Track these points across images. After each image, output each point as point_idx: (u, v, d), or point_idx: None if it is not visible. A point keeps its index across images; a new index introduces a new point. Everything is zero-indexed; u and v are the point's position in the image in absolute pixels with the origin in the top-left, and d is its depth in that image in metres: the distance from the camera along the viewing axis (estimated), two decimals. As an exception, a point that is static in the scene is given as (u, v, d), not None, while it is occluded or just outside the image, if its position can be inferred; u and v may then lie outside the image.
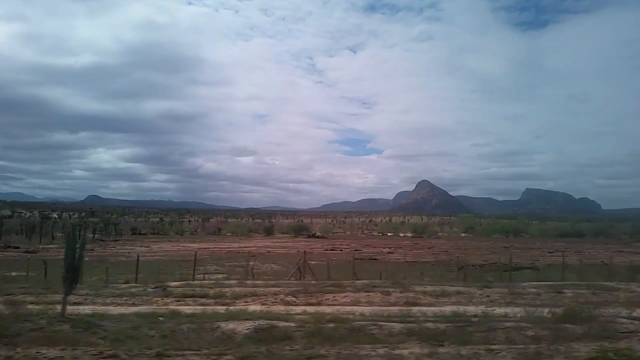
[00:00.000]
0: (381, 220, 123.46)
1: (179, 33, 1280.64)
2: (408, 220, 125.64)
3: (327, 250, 41.55)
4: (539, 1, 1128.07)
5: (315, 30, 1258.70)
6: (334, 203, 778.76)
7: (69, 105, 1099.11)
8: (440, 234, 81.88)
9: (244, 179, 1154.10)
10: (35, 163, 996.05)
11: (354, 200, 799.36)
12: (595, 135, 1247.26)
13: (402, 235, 75.68)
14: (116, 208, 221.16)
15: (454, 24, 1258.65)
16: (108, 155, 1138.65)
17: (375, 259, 33.55)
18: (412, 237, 71.85)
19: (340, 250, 43.48)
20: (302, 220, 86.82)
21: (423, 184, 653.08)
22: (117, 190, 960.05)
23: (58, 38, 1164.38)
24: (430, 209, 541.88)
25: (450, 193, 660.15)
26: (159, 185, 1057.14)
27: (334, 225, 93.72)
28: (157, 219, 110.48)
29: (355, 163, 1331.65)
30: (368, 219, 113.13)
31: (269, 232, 59.10)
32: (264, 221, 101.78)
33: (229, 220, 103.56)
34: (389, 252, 41.60)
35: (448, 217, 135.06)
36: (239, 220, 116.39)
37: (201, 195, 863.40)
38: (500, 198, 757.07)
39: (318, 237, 58.87)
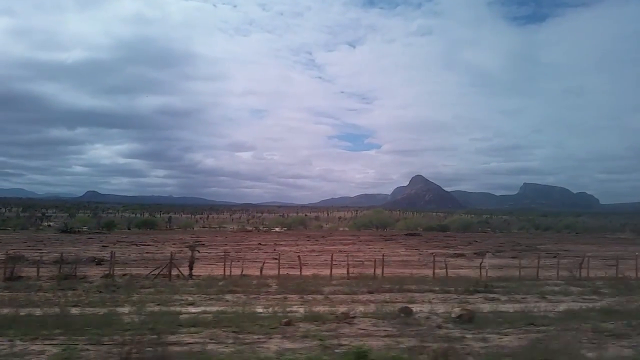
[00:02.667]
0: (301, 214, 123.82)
1: (174, 28, 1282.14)
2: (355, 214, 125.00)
3: None
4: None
5: (314, 25, 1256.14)
6: (332, 198, 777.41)
7: (64, 101, 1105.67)
8: (326, 226, 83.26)
9: (244, 175, 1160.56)
10: (34, 159, 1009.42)
11: (353, 196, 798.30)
12: (595, 130, 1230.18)
13: (276, 230, 76.66)
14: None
15: (452, 18, 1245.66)
16: (106, 151, 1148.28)
17: None
18: (285, 231, 72.86)
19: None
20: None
21: (417, 179, 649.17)
22: (118, 186, 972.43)
23: (48, 33, 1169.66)
24: (423, 204, 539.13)
25: (445, 188, 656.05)
26: (159, 181, 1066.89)
27: (232, 219, 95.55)
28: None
29: (354, 158, 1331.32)
30: (281, 215, 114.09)
31: (109, 227, 60.03)
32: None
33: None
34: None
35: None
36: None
37: (201, 191, 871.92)
38: (499, 193, 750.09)
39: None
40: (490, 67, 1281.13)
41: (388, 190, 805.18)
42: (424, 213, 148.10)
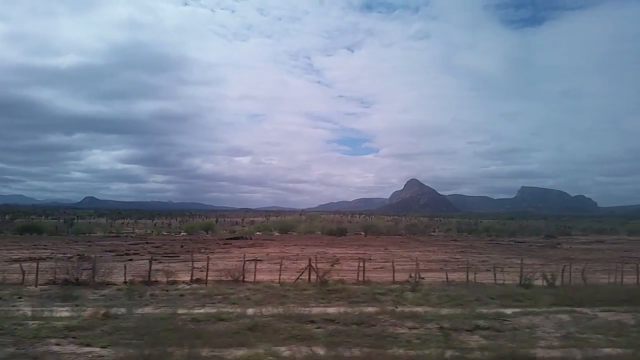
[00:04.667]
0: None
1: (170, 33, 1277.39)
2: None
3: None
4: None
5: (313, 29, 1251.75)
6: (331, 203, 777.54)
7: (60, 107, 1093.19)
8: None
9: (243, 180, 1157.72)
10: (33, 165, 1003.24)
11: (351, 200, 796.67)
12: (594, 132, 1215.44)
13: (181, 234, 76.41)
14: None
15: (450, 21, 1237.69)
16: (105, 157, 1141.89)
17: None
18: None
19: None
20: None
21: (412, 183, 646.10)
22: (118, 191, 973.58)
23: (42, 38, 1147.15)
24: (418, 208, 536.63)
25: (443, 192, 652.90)
26: (158, 186, 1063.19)
27: (154, 224, 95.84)
28: None
29: (353, 162, 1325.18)
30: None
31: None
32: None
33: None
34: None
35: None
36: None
37: (201, 196, 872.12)
38: (498, 196, 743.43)
39: None
40: (488, 71, 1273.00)
41: (387, 194, 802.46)
42: (411, 216, 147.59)
